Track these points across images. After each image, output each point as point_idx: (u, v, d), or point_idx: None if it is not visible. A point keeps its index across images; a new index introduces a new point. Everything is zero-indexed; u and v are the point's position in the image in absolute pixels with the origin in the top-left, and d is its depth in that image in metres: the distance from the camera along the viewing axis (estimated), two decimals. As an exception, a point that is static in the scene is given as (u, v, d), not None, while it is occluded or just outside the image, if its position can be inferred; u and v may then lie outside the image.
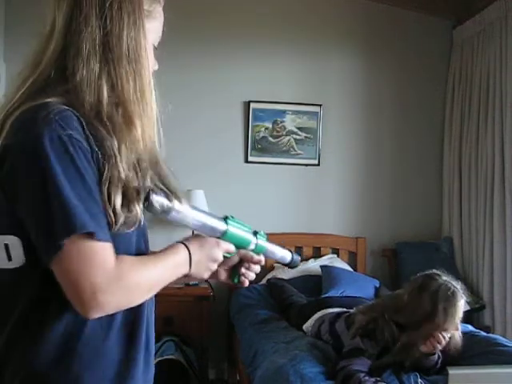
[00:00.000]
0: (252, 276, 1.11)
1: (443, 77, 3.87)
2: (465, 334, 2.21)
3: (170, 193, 0.93)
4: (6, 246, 0.85)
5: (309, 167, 3.75)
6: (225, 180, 3.63)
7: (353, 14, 3.79)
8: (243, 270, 1.09)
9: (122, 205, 0.86)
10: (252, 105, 3.67)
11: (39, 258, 0.82)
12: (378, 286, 3.33)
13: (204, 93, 3.64)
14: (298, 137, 3.73)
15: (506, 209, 3.13)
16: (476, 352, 2.21)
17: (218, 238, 1.02)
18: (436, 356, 2.08)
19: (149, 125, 0.92)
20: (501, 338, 2.49)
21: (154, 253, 0.96)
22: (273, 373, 2.11)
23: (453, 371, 1.66)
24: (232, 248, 1.04)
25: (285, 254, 1.18)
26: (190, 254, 0.96)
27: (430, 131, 3.89)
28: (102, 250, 0.82)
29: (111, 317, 0.89)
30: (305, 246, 3.65)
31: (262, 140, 3.71)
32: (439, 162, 3.87)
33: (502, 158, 3.18)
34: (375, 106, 3.83)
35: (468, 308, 3.00)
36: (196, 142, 3.62)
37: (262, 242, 1.10)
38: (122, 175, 0.86)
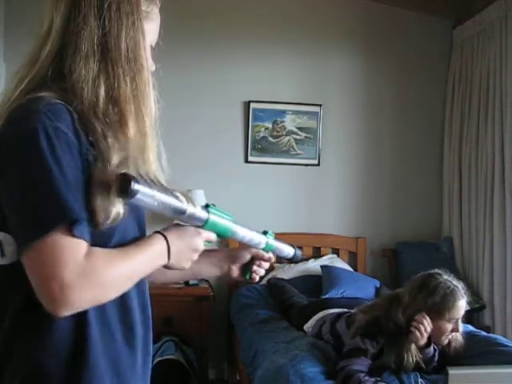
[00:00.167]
0: (262, 272, 1.19)
1: (443, 77, 3.87)
2: (465, 334, 2.21)
3: (146, 180, 0.90)
4: (0, 242, 0.85)
5: (309, 167, 3.75)
6: (225, 180, 3.63)
7: (353, 14, 3.79)
8: (255, 267, 1.17)
9: (103, 204, 0.85)
10: (252, 105, 3.67)
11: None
12: (378, 286, 3.33)
13: (204, 93, 3.64)
14: (298, 137, 3.73)
15: (506, 209, 3.13)
16: (476, 352, 2.21)
17: (200, 226, 1.00)
18: (431, 349, 2.08)
19: (146, 125, 0.92)
20: (501, 337, 2.49)
21: (128, 245, 0.92)
22: (273, 373, 2.11)
23: (453, 371, 1.66)
24: (213, 237, 1.02)
25: (289, 250, 1.24)
26: (168, 244, 0.94)
27: (429, 131, 3.89)
28: (72, 245, 0.80)
29: (109, 312, 0.89)
30: (305, 246, 3.65)
31: (262, 140, 3.71)
32: (439, 162, 3.87)
33: (502, 158, 3.18)
34: (375, 106, 3.83)
35: (468, 308, 2.99)
36: (196, 142, 3.62)
37: (271, 240, 1.17)
38: (110, 175, 0.85)
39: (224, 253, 1.20)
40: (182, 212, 0.94)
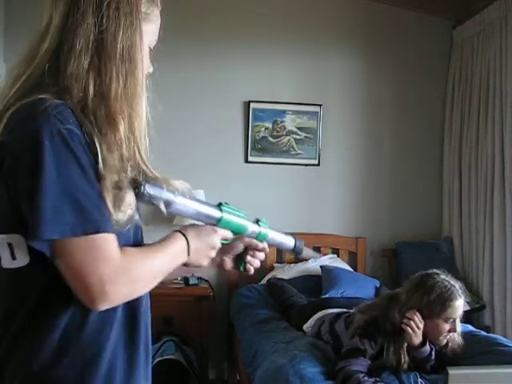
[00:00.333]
0: (257, 263, 1.13)
1: (443, 77, 3.87)
2: (465, 334, 2.21)
3: (163, 183, 0.93)
4: (10, 245, 0.85)
5: (309, 167, 3.75)
6: (225, 180, 3.63)
7: (353, 14, 3.79)
8: (248, 257, 1.12)
9: (114, 204, 0.86)
10: (252, 105, 3.67)
11: (43, 255, 0.82)
12: (378, 286, 3.33)
13: (204, 93, 3.64)
14: (298, 137, 3.73)
15: (506, 209, 3.13)
16: (476, 352, 2.21)
17: (214, 225, 1.02)
18: (427, 348, 2.08)
19: (137, 125, 0.92)
20: (501, 337, 2.49)
21: (151, 244, 0.96)
22: (273, 373, 2.11)
23: (453, 371, 1.66)
24: (229, 234, 1.05)
25: (288, 241, 1.18)
26: (187, 242, 0.97)
27: (429, 131, 3.89)
28: (108, 242, 0.83)
29: (113, 313, 0.90)
30: (305, 246, 3.64)
31: (262, 140, 3.71)
32: (439, 162, 3.87)
33: (502, 158, 3.18)
34: (375, 106, 3.83)
35: (468, 308, 3.00)
36: (196, 142, 3.62)
37: (265, 229, 1.12)
38: (102, 174, 0.86)
39: None
40: (190, 211, 0.97)
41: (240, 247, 1.12)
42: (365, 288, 3.22)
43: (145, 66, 0.97)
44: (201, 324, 3.21)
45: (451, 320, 2.06)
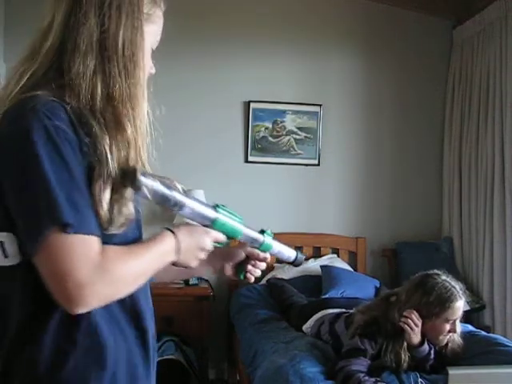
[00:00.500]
0: (258, 273, 1.14)
1: (443, 77, 3.87)
2: (465, 334, 2.21)
3: (159, 178, 0.92)
4: (1, 244, 0.85)
5: (309, 167, 3.75)
6: (225, 180, 3.63)
7: (353, 14, 3.79)
8: (249, 266, 1.12)
9: (112, 204, 0.86)
10: (252, 105, 3.67)
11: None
12: (378, 286, 3.33)
13: (204, 93, 3.64)
14: (298, 137, 3.73)
15: (506, 209, 3.13)
16: (476, 352, 2.21)
17: (208, 226, 1.00)
18: (426, 347, 2.08)
19: (139, 125, 0.92)
20: (501, 337, 2.49)
21: (138, 242, 0.94)
22: (273, 373, 2.11)
23: (453, 371, 1.66)
24: (221, 237, 1.02)
25: (290, 253, 1.19)
26: (177, 241, 0.95)
27: (429, 131, 3.89)
28: (85, 242, 0.81)
29: (108, 311, 0.89)
30: (305, 245, 3.65)
31: (262, 140, 3.71)
32: (439, 162, 3.87)
33: (502, 158, 3.18)
34: (375, 106, 3.83)
35: (468, 308, 3.00)
36: (196, 142, 3.62)
37: (269, 240, 1.12)
38: (113, 174, 0.86)
39: (218, 250, 1.17)
40: (184, 208, 0.95)
41: (242, 255, 1.12)
42: (365, 288, 3.22)
43: (146, 66, 0.97)
44: (201, 324, 3.21)
45: (451, 321, 2.06)
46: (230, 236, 1.04)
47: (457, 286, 2.08)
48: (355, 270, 3.62)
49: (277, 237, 1.17)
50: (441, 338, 2.08)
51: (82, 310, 0.82)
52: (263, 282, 3.38)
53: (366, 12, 3.79)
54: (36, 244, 0.80)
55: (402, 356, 2.04)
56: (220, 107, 3.66)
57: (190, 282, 3.29)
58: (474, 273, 3.45)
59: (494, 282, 3.21)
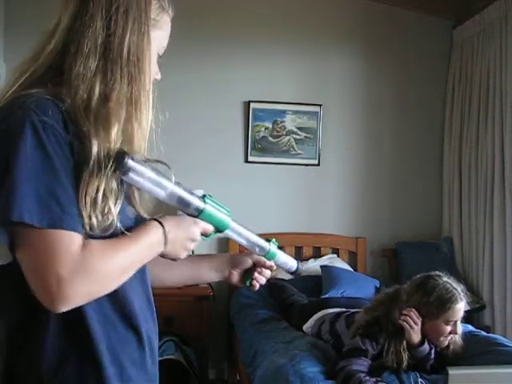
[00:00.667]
0: (263, 280, 1.16)
1: (443, 77, 3.87)
2: (465, 334, 2.21)
3: (152, 162, 0.91)
4: None
5: (309, 167, 3.75)
6: (225, 180, 3.62)
7: (353, 14, 3.79)
8: (256, 274, 1.15)
9: (95, 207, 0.84)
10: (252, 105, 3.67)
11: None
12: (378, 286, 3.33)
13: (204, 93, 3.64)
14: (298, 137, 3.73)
15: (506, 209, 3.13)
16: (476, 352, 2.21)
17: (195, 216, 0.98)
18: (426, 347, 2.08)
19: (136, 130, 0.91)
20: (501, 337, 2.49)
21: (124, 235, 0.91)
22: (273, 373, 2.11)
23: (453, 371, 1.66)
24: (210, 228, 1.00)
25: (292, 263, 1.22)
26: (164, 231, 0.93)
27: (430, 131, 3.89)
28: (65, 238, 0.79)
29: (102, 312, 0.88)
30: (305, 246, 3.65)
31: (262, 140, 3.71)
32: (439, 162, 3.87)
33: (502, 158, 3.18)
34: (375, 106, 3.83)
35: (468, 308, 3.00)
36: (196, 142, 3.62)
37: (275, 248, 1.15)
38: (95, 175, 0.84)
39: (225, 257, 1.20)
40: (172, 196, 0.93)
41: (249, 263, 1.15)
42: (365, 288, 3.22)
43: (152, 71, 0.96)
44: (201, 324, 3.21)
45: (451, 322, 2.06)
46: (217, 227, 1.02)
47: (458, 288, 2.08)
48: (355, 269, 3.62)
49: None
50: (441, 339, 2.08)
51: (64, 308, 0.80)
52: (263, 282, 3.38)
53: (366, 12, 3.79)
54: (17, 234, 0.79)
55: (402, 355, 2.04)
56: (220, 107, 3.66)
57: (190, 282, 3.29)
58: (473, 273, 3.45)
59: (493, 282, 3.21)
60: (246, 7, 3.68)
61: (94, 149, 0.85)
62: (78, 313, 0.85)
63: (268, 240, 1.14)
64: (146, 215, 0.95)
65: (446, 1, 3.76)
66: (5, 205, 0.78)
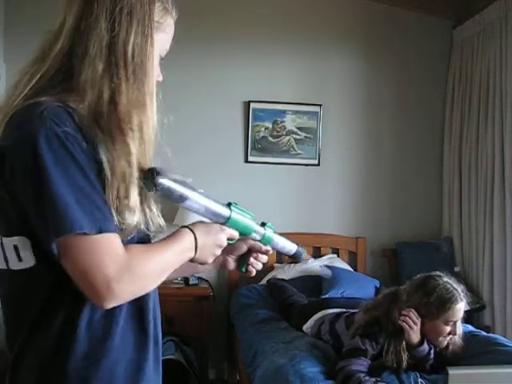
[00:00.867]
0: (259, 266, 1.16)
1: (443, 77, 3.87)
2: (465, 334, 2.21)
3: (175, 177, 0.93)
4: (16, 247, 0.86)
5: (309, 167, 3.75)
6: (225, 180, 3.62)
7: (353, 14, 3.79)
8: (252, 259, 1.14)
9: (119, 212, 0.87)
10: (252, 105, 3.67)
11: (48, 257, 0.83)
12: (378, 286, 3.33)
13: (204, 93, 3.64)
14: (298, 137, 3.73)
15: (506, 209, 3.13)
16: (476, 352, 2.21)
17: (222, 223, 1.03)
18: (425, 346, 2.08)
19: (146, 133, 0.92)
20: (501, 337, 2.49)
21: (158, 240, 0.97)
22: (273, 373, 2.11)
23: (453, 371, 1.66)
24: (236, 234, 1.06)
25: (290, 247, 1.20)
26: (195, 238, 0.97)
27: (430, 131, 3.89)
28: (111, 241, 0.84)
29: (118, 311, 0.90)
30: (305, 245, 3.65)
31: (262, 140, 3.71)
32: (439, 162, 3.87)
33: (502, 158, 3.18)
34: (375, 106, 3.83)
35: (468, 308, 2.99)
36: (196, 141, 3.62)
37: (270, 233, 1.14)
38: (114, 181, 0.86)
39: None
40: (200, 207, 0.98)
41: (244, 248, 1.14)
42: (365, 288, 3.22)
43: (155, 74, 0.97)
44: (201, 324, 3.22)
45: (451, 323, 2.06)
46: (243, 233, 1.07)
47: (458, 289, 2.08)
48: (355, 270, 3.62)
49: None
50: (440, 339, 2.08)
51: (111, 305, 0.85)
52: (263, 282, 3.38)
53: (366, 12, 3.79)
54: (65, 244, 0.81)
55: (402, 354, 2.04)
56: (220, 107, 3.66)
57: (190, 282, 3.29)
58: (474, 273, 3.45)
59: (494, 282, 3.21)
60: (246, 7, 3.68)
61: (111, 155, 0.87)
62: (87, 312, 0.87)
63: (263, 224, 1.14)
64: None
65: (446, 1, 3.76)
66: (56, 220, 0.80)
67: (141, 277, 0.87)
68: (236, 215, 1.05)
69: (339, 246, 3.72)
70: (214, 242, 1.01)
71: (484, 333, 2.58)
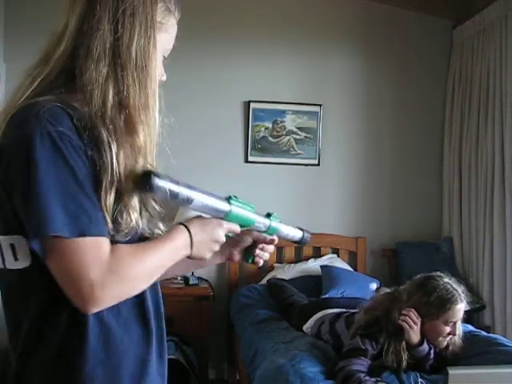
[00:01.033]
0: (266, 256, 1.15)
1: (443, 77, 3.87)
2: (465, 334, 2.21)
3: (171, 177, 0.92)
4: (12, 246, 0.86)
5: (309, 167, 3.75)
6: (225, 180, 3.62)
7: (353, 14, 3.79)
8: (257, 251, 1.14)
9: (116, 213, 0.87)
10: (252, 105, 3.67)
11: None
12: (378, 285, 3.32)
13: (204, 93, 3.64)
14: (298, 137, 3.73)
15: (506, 209, 3.13)
16: (476, 352, 2.21)
17: (222, 218, 1.02)
18: (425, 346, 2.08)
19: (150, 134, 0.92)
20: (501, 337, 2.49)
21: (151, 239, 0.95)
22: (272, 372, 2.11)
23: (453, 371, 1.66)
24: (236, 228, 1.04)
25: (295, 233, 1.21)
26: (190, 235, 0.96)
27: (429, 131, 3.89)
28: (94, 244, 0.82)
29: (117, 310, 0.90)
30: (305, 245, 3.65)
31: (262, 140, 3.71)
32: (439, 162, 3.87)
33: (502, 158, 3.18)
34: (375, 106, 3.83)
35: (468, 308, 3.00)
36: (196, 141, 3.62)
37: (276, 223, 1.14)
38: (116, 182, 0.86)
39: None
40: (198, 204, 0.96)
41: (248, 241, 1.14)
42: (365, 288, 3.21)
43: (158, 74, 0.97)
44: (201, 324, 3.21)
45: (451, 323, 2.06)
46: (244, 226, 1.06)
47: (459, 289, 2.08)
48: (355, 270, 3.62)
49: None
50: (440, 339, 2.08)
51: (96, 309, 0.84)
52: (263, 282, 3.38)
53: (366, 12, 3.79)
54: (49, 245, 0.81)
55: (402, 354, 2.04)
56: (220, 107, 3.66)
57: (190, 282, 3.29)
58: (474, 273, 3.45)
59: (494, 282, 3.21)
60: (246, 7, 3.68)
61: (115, 156, 0.86)
62: (92, 315, 0.87)
63: (268, 215, 1.14)
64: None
65: (446, 1, 3.76)
66: (37, 220, 0.80)
67: (127, 279, 0.85)
68: (236, 209, 1.03)
69: (339, 246, 3.72)
70: (211, 237, 0.99)
71: (484, 333, 2.58)
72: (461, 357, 2.13)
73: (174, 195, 0.91)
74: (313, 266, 3.49)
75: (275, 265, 3.55)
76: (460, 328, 2.12)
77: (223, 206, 1.01)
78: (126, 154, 0.88)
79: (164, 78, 1.02)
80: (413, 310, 2.06)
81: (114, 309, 0.88)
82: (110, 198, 0.86)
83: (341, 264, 3.52)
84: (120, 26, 0.90)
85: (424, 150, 3.88)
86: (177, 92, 3.46)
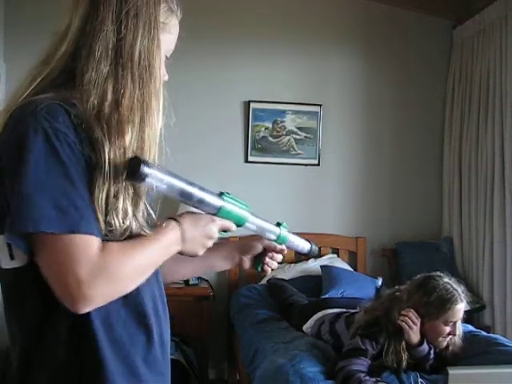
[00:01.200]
0: (275, 265, 1.17)
1: (443, 77, 3.87)
2: (465, 334, 2.21)
3: (161, 166, 0.91)
4: (9, 245, 0.85)
5: (309, 167, 3.75)
6: (225, 180, 3.62)
7: (353, 14, 3.79)
8: (267, 259, 1.15)
9: (111, 211, 0.86)
10: (252, 105, 3.67)
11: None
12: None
13: (204, 93, 3.64)
14: (298, 137, 3.73)
15: (506, 209, 3.13)
16: (476, 352, 2.21)
17: (214, 214, 1.00)
18: (425, 346, 2.08)
19: (147, 135, 0.91)
20: (501, 337, 2.49)
21: (141, 236, 0.92)
22: (272, 372, 2.11)
23: (453, 371, 1.66)
24: (230, 225, 1.02)
25: (304, 245, 1.23)
26: (182, 230, 0.94)
27: (429, 131, 3.89)
28: (82, 242, 0.81)
29: (116, 310, 0.89)
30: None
31: (262, 140, 3.71)
32: (439, 162, 3.87)
33: (502, 158, 3.18)
34: (375, 106, 3.83)
35: (468, 308, 3.00)
36: (196, 141, 3.62)
37: (285, 232, 1.16)
38: (109, 181, 0.86)
39: (234, 244, 1.20)
40: (189, 196, 0.94)
41: (259, 248, 1.15)
42: (365, 288, 3.21)
43: (161, 74, 0.97)
44: (201, 324, 3.22)
45: (451, 323, 2.06)
46: (236, 223, 1.04)
47: (459, 289, 2.08)
48: (355, 269, 3.62)
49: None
50: (440, 339, 2.08)
51: (85, 309, 0.82)
52: (263, 282, 3.38)
53: (366, 12, 3.79)
54: (36, 242, 0.80)
55: (402, 354, 2.04)
56: (220, 107, 3.66)
57: (190, 282, 3.29)
58: (474, 273, 3.45)
59: (493, 282, 3.21)
60: (246, 7, 3.68)
61: (107, 155, 0.85)
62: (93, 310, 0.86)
63: (278, 224, 1.15)
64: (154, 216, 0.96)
65: (446, 1, 3.76)
66: (18, 216, 0.79)
67: (117, 277, 0.83)
68: (228, 205, 1.00)
69: (339, 246, 3.72)
70: (203, 233, 0.97)
71: (484, 333, 2.58)
72: (461, 357, 2.13)
73: (164, 184, 0.89)
74: (313, 266, 3.48)
75: (275, 265, 3.54)
76: (460, 328, 2.12)
77: (215, 201, 0.99)
78: (117, 153, 0.87)
79: (166, 77, 1.02)
80: (412, 310, 2.06)
81: (113, 308, 0.88)
82: (103, 197, 0.85)
83: (341, 264, 3.52)
84: (123, 27, 0.90)
85: (424, 149, 3.88)
86: (177, 92, 3.42)
